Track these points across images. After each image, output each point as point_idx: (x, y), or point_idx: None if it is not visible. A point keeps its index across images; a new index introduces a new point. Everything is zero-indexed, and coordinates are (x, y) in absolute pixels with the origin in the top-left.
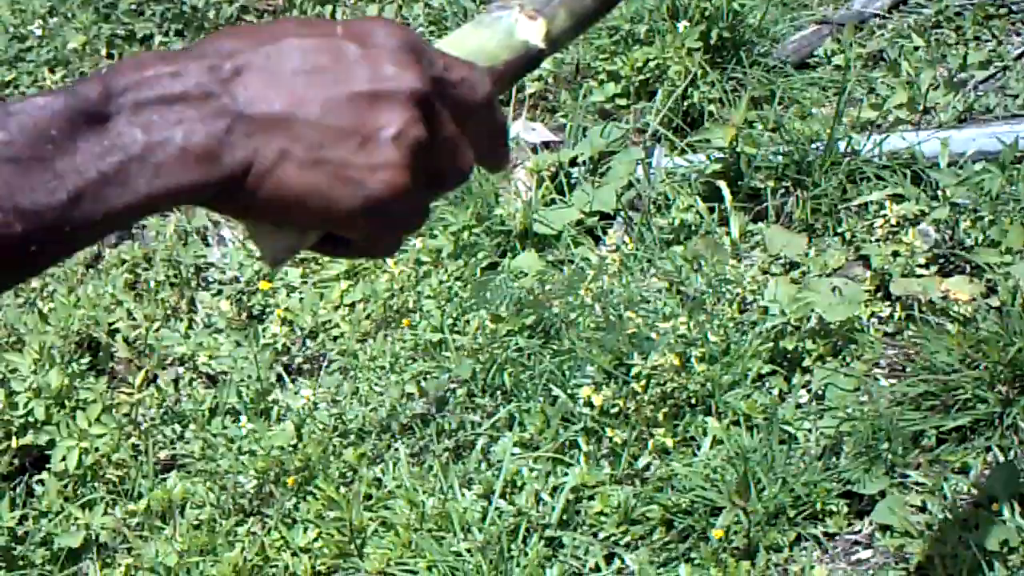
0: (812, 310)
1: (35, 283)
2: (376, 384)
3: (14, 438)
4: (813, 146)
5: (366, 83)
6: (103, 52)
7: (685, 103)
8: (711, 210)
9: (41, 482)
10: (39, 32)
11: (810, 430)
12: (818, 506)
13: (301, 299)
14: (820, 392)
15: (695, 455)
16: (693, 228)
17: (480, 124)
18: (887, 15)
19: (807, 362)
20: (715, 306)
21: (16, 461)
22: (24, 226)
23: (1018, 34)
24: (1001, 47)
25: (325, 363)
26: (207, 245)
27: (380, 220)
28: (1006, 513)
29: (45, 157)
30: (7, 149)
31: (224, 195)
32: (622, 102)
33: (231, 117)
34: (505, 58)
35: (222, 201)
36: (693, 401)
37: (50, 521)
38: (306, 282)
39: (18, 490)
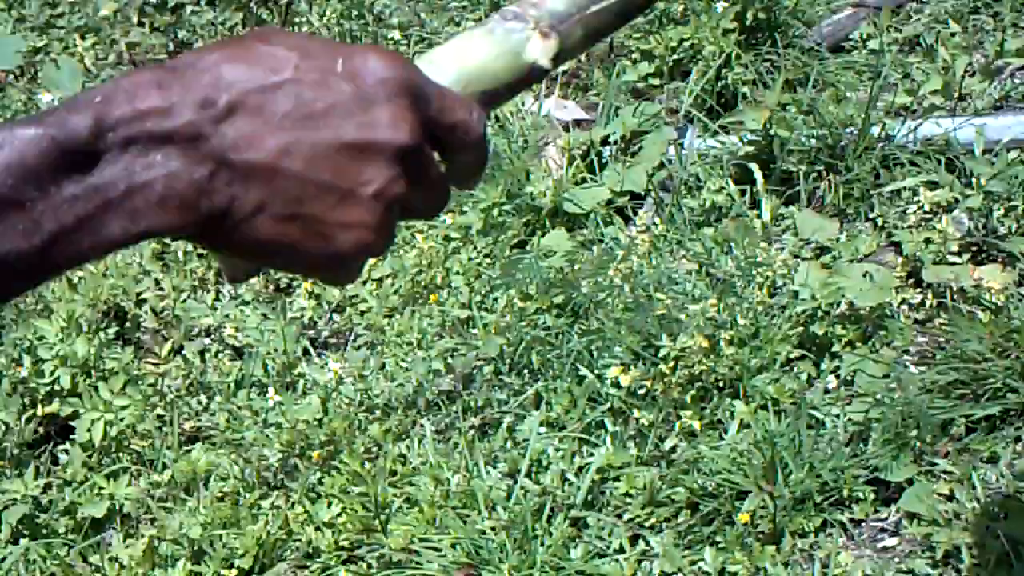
0: (842, 295)
1: None
2: (403, 360)
3: (39, 406)
4: (847, 130)
5: (355, 132)
6: (134, 20)
7: (719, 84)
8: (742, 192)
9: (66, 451)
10: None
11: (838, 416)
12: (845, 492)
13: None
14: (849, 378)
15: (722, 438)
16: (724, 210)
17: (466, 159)
18: (924, 0)
19: (836, 347)
20: (745, 289)
21: (41, 429)
22: None
23: None
24: None
25: (352, 338)
26: None
27: (343, 269)
28: None
29: (26, 200)
30: None
31: (197, 235)
32: (655, 82)
33: (215, 163)
34: (507, 80)
35: (194, 239)
36: (721, 384)
37: (74, 490)
38: None
39: (42, 458)
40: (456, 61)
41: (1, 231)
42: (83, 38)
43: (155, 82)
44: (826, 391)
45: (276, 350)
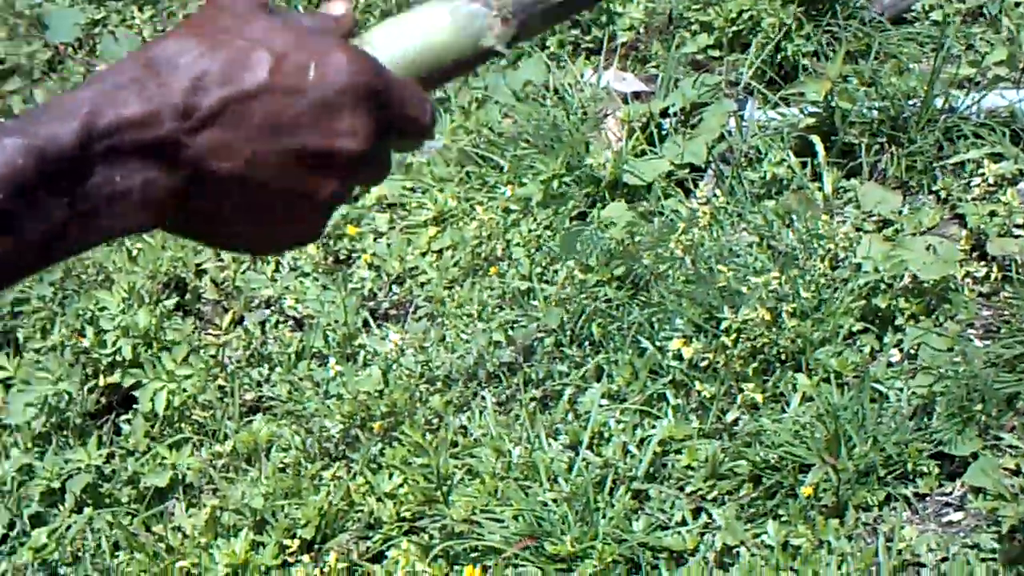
0: (906, 268)
1: None
2: (463, 331)
3: (102, 376)
4: (909, 102)
5: (319, 141)
6: None
7: (779, 56)
8: (803, 165)
9: (128, 421)
10: None
11: (901, 389)
12: (909, 466)
13: (388, 245)
14: (912, 351)
15: (784, 411)
16: (785, 183)
17: (412, 142)
18: None
19: (899, 321)
20: (807, 262)
21: (103, 399)
22: None
23: None
24: None
25: (412, 309)
26: None
27: (275, 253)
28: None
29: (10, 208)
30: None
31: (172, 228)
32: (714, 53)
33: (190, 169)
34: (460, 60)
35: (166, 229)
36: (783, 357)
37: (137, 460)
38: (393, 228)
39: (105, 428)
40: (414, 37)
41: None
42: (141, 10)
43: (136, 83)
44: (889, 364)
45: (336, 321)
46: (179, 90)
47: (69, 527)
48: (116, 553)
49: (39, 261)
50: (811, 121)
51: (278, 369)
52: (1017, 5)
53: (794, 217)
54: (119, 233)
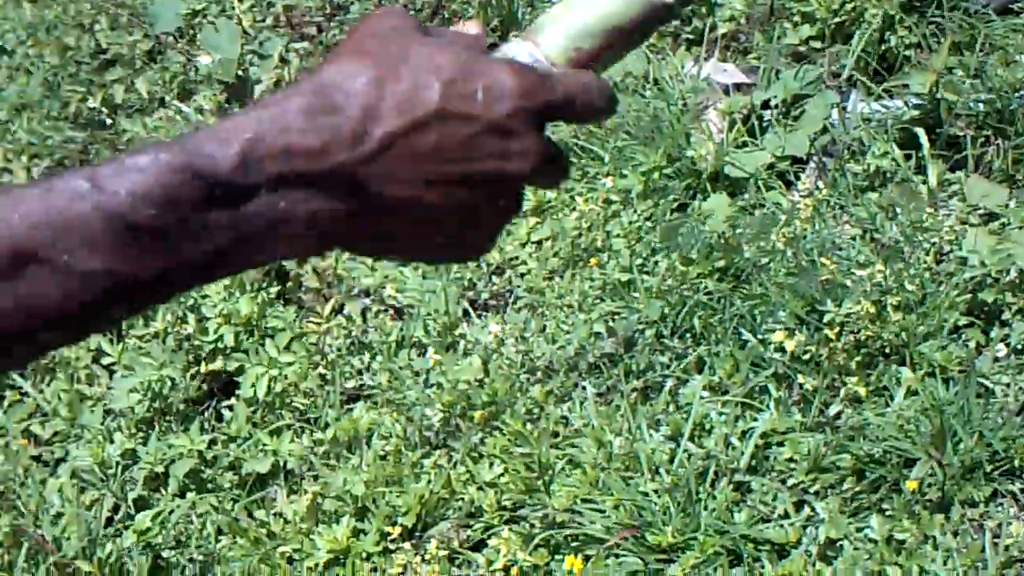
0: (1013, 262)
1: None
2: (563, 322)
3: (203, 363)
4: (1016, 94)
5: (491, 165)
6: None
7: (882, 47)
8: (907, 157)
9: (229, 407)
10: None
11: (1008, 384)
12: (1016, 462)
13: None
14: (1020, 347)
15: (888, 405)
16: (888, 175)
17: (594, 119)
18: None
19: (1006, 315)
20: (911, 255)
21: (204, 386)
22: (95, 292)
23: None
24: None
25: (511, 299)
26: None
27: (446, 264)
28: None
29: (164, 228)
30: (128, 215)
31: (329, 251)
32: (816, 45)
33: (358, 199)
34: (634, 24)
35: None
36: (887, 350)
37: (238, 446)
38: None
39: (206, 414)
40: (586, 10)
41: (135, 256)
42: (241, 0)
43: (305, 112)
44: (995, 359)
45: (436, 311)
46: (351, 119)
47: (172, 511)
48: (219, 538)
49: (202, 279)
50: (915, 113)
51: (378, 358)
52: None
53: (898, 210)
54: (281, 256)
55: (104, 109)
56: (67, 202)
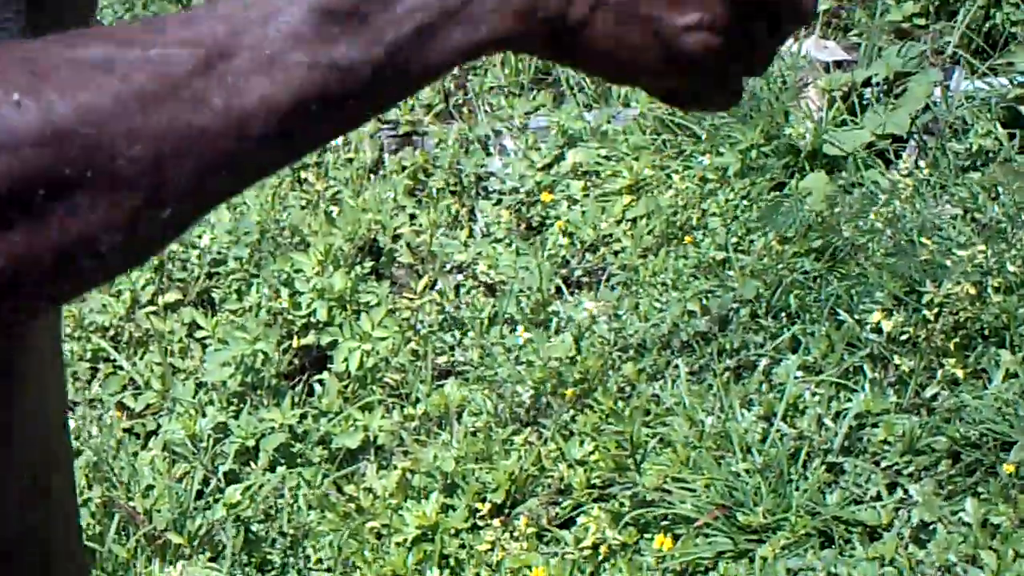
0: None
1: (319, 186)
2: (657, 300)
3: (295, 338)
4: None
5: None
6: None
7: (987, 24)
8: (1011, 136)
9: (320, 382)
10: None
11: None
12: None
13: (583, 212)
14: None
15: (986, 388)
16: (991, 155)
17: (792, 27)
18: None
19: None
20: (1014, 236)
21: (296, 361)
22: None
23: None
24: None
25: (605, 277)
26: (488, 155)
27: (704, 79)
28: None
29: (366, 10)
30: (329, 2)
31: (539, 45)
32: (920, 22)
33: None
34: None
35: (537, 49)
36: (986, 332)
37: (329, 421)
38: (588, 195)
39: (297, 389)
40: None
41: (348, 41)
42: None
43: None
44: None
45: (529, 288)
46: None
47: (262, 485)
48: (308, 512)
49: (396, 77)
50: (1020, 92)
51: (470, 334)
52: None
53: (1000, 190)
54: (481, 42)
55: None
56: None
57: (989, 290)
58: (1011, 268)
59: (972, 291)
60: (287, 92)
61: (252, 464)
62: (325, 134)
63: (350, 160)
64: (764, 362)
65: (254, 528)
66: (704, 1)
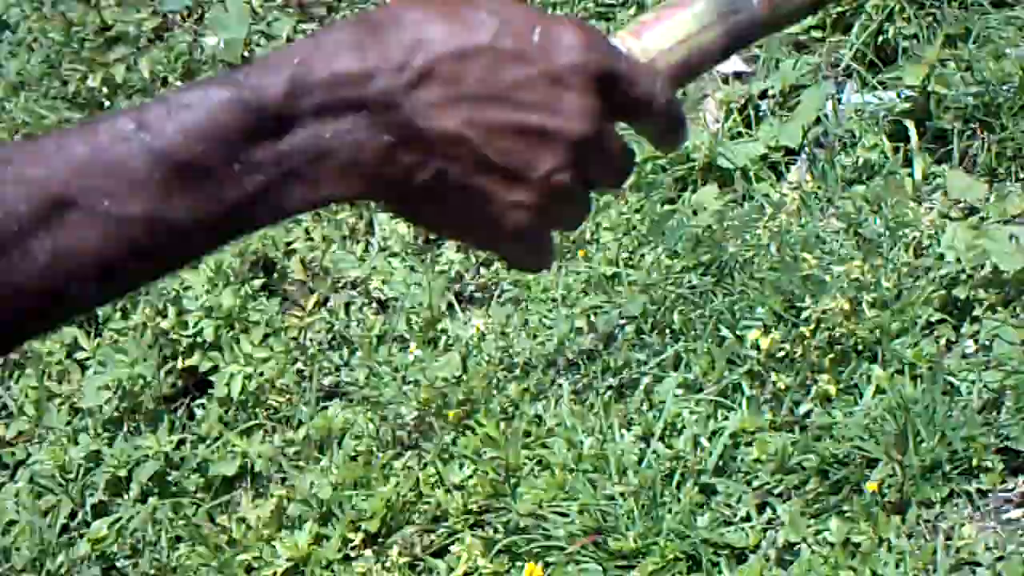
0: (987, 258)
1: None
2: (546, 316)
3: (180, 359)
4: (1004, 87)
5: (538, 117)
6: None
7: (879, 38)
8: (896, 150)
9: (202, 406)
10: None
11: (973, 382)
12: (974, 462)
13: None
14: (988, 343)
15: (857, 404)
16: (876, 168)
17: (654, 126)
18: None
19: (977, 311)
20: (891, 250)
21: (179, 383)
22: (156, 238)
23: None
24: None
25: (497, 292)
26: None
27: (519, 248)
28: None
29: (212, 166)
30: (176, 154)
31: (376, 199)
32: (817, 34)
33: (401, 130)
34: (717, 40)
35: (373, 201)
36: (860, 348)
37: (207, 447)
38: None
39: (178, 412)
40: (671, 27)
41: (177, 199)
42: None
43: (355, 43)
44: (963, 356)
45: (421, 304)
46: (398, 48)
47: (132, 518)
48: (177, 545)
49: (240, 227)
50: (907, 106)
51: (358, 353)
52: None
53: (882, 203)
54: (319, 201)
55: (104, 89)
56: (111, 144)
57: (864, 305)
58: (885, 283)
59: (847, 306)
60: (116, 247)
61: (123, 495)
62: (157, 275)
63: None
64: (646, 380)
65: (118, 564)
66: (530, 185)
